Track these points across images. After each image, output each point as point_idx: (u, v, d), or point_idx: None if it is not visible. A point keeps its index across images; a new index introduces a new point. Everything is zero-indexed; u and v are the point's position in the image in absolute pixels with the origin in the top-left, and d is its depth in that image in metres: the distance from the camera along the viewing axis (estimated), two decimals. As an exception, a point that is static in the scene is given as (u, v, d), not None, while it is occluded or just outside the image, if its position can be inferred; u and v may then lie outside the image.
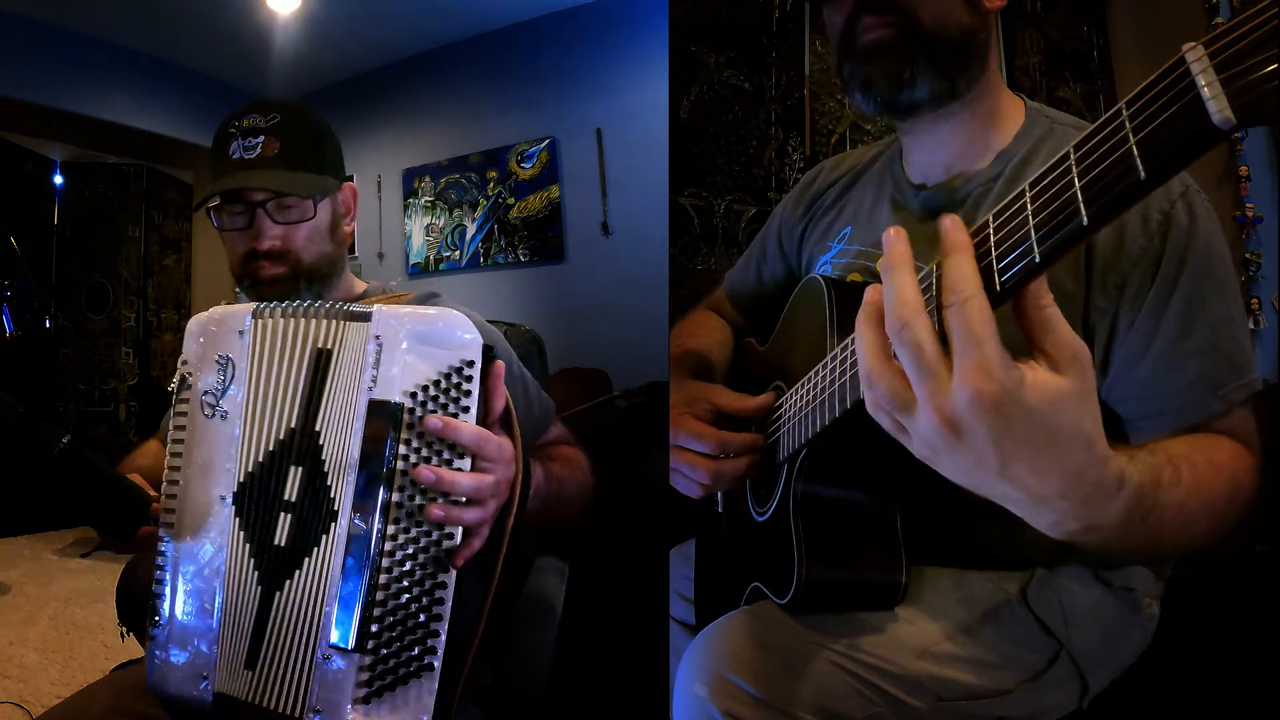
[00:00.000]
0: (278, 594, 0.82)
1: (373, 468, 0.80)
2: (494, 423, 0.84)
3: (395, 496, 0.80)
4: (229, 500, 0.84)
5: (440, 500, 0.80)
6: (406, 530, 0.80)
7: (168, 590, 0.85)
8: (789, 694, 0.86)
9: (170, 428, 0.88)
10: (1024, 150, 0.98)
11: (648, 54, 3.56)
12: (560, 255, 3.94)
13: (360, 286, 1.19)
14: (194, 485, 0.85)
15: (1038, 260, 0.52)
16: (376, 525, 0.79)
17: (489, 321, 1.11)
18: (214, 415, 0.85)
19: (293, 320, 0.87)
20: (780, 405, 0.99)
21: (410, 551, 0.80)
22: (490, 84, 4.15)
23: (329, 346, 0.85)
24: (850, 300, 0.95)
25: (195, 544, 0.84)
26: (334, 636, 0.80)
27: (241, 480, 0.84)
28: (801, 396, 0.91)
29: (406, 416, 0.80)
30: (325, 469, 0.82)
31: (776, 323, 1.14)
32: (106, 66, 4.08)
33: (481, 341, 0.83)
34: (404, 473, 0.80)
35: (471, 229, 4.21)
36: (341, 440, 0.82)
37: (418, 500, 0.80)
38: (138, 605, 0.94)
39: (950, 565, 0.99)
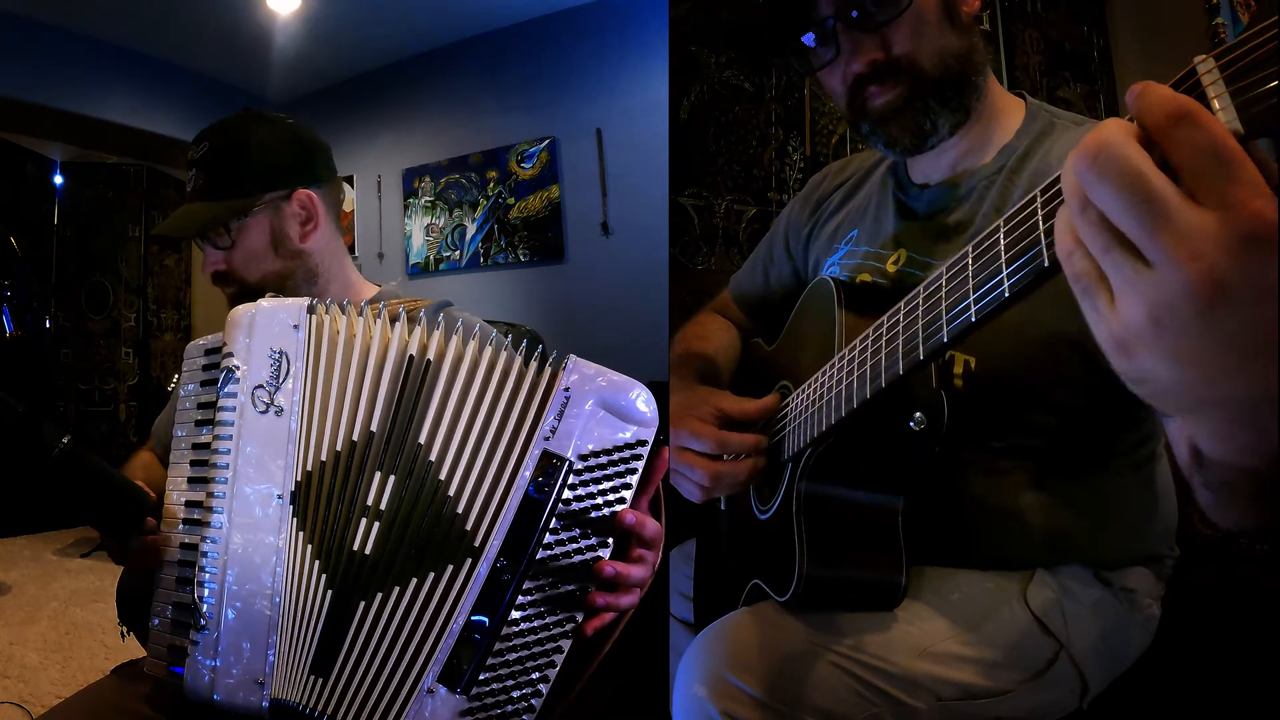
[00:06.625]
0: (363, 604, 0.79)
1: (531, 518, 0.78)
2: (644, 501, 0.83)
3: (548, 554, 0.78)
4: (285, 499, 0.80)
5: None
6: (546, 590, 0.78)
7: (210, 590, 0.78)
8: (788, 695, 0.86)
9: (189, 421, 0.83)
10: (1025, 144, 0.99)
11: (649, 54, 3.56)
12: (560, 255, 3.94)
13: (368, 290, 1.17)
14: (243, 482, 0.80)
15: (1046, 265, 0.52)
16: (519, 575, 0.77)
17: (489, 321, 1.11)
18: (268, 410, 0.81)
19: (360, 320, 0.84)
20: (786, 405, 0.99)
21: (542, 609, 0.79)
22: (490, 84, 4.16)
23: (428, 356, 0.82)
24: (859, 301, 0.95)
25: (246, 543, 0.79)
26: (442, 673, 0.77)
27: (299, 479, 0.81)
28: (807, 396, 0.91)
29: (573, 477, 0.79)
30: (450, 493, 0.80)
31: (783, 324, 1.14)
32: (106, 67, 4.08)
33: (658, 421, 0.81)
34: (556, 530, 0.78)
35: (471, 229, 4.21)
36: (485, 474, 0.80)
37: (573, 562, 0.78)
38: (138, 605, 0.91)
39: (950, 565, 0.99)
